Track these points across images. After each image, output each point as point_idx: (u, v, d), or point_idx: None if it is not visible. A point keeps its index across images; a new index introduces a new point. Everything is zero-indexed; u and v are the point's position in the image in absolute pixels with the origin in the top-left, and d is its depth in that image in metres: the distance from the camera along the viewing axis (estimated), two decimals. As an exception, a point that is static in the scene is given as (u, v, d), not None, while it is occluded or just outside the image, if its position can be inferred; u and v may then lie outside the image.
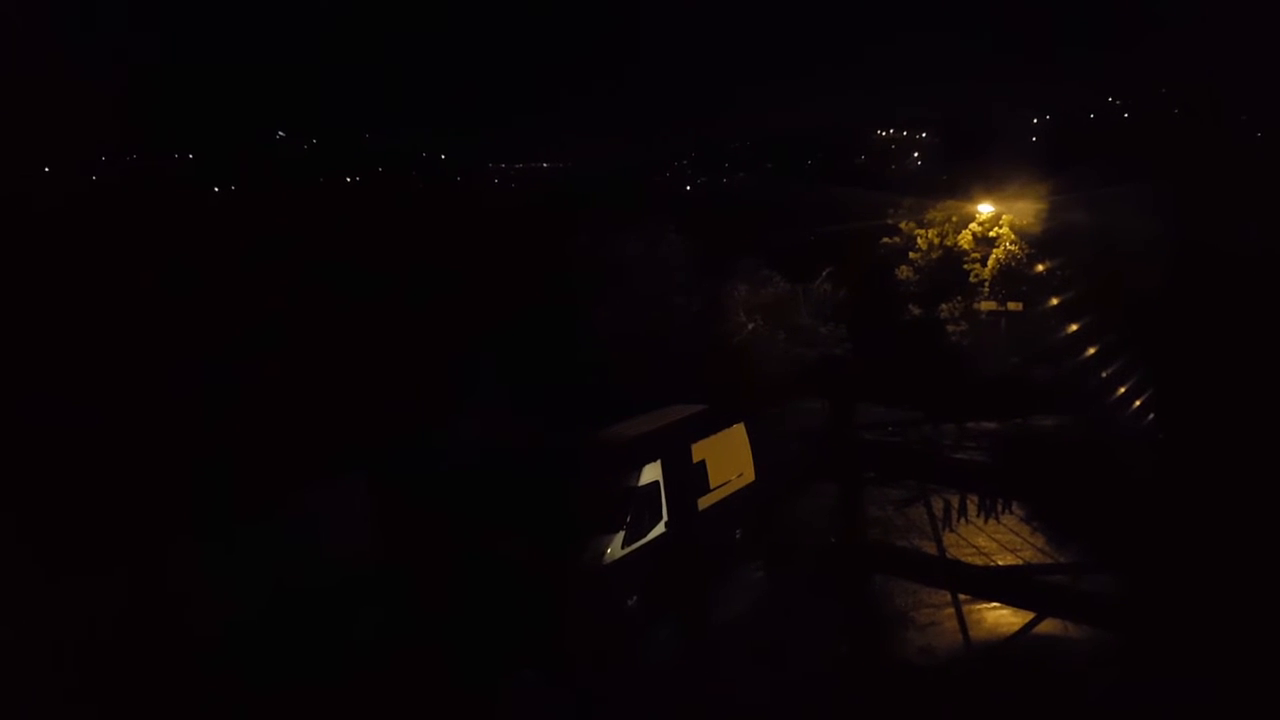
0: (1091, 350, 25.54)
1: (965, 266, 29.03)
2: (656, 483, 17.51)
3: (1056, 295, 27.48)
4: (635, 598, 16.53)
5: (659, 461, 17.62)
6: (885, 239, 31.47)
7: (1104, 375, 24.76)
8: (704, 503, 18.40)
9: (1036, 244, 28.39)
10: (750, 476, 19.66)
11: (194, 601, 14.77)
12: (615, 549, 16.54)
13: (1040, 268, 28.02)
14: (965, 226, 29.34)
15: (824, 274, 30.78)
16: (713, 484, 18.65)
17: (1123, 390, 24.25)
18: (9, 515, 15.51)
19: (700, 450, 18.58)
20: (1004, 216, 28.79)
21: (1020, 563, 17.89)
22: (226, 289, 29.31)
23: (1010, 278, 28.35)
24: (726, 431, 19.43)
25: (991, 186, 29.59)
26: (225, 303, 27.99)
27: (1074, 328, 26.36)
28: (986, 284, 28.57)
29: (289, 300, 28.43)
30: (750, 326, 29.18)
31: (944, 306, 29.07)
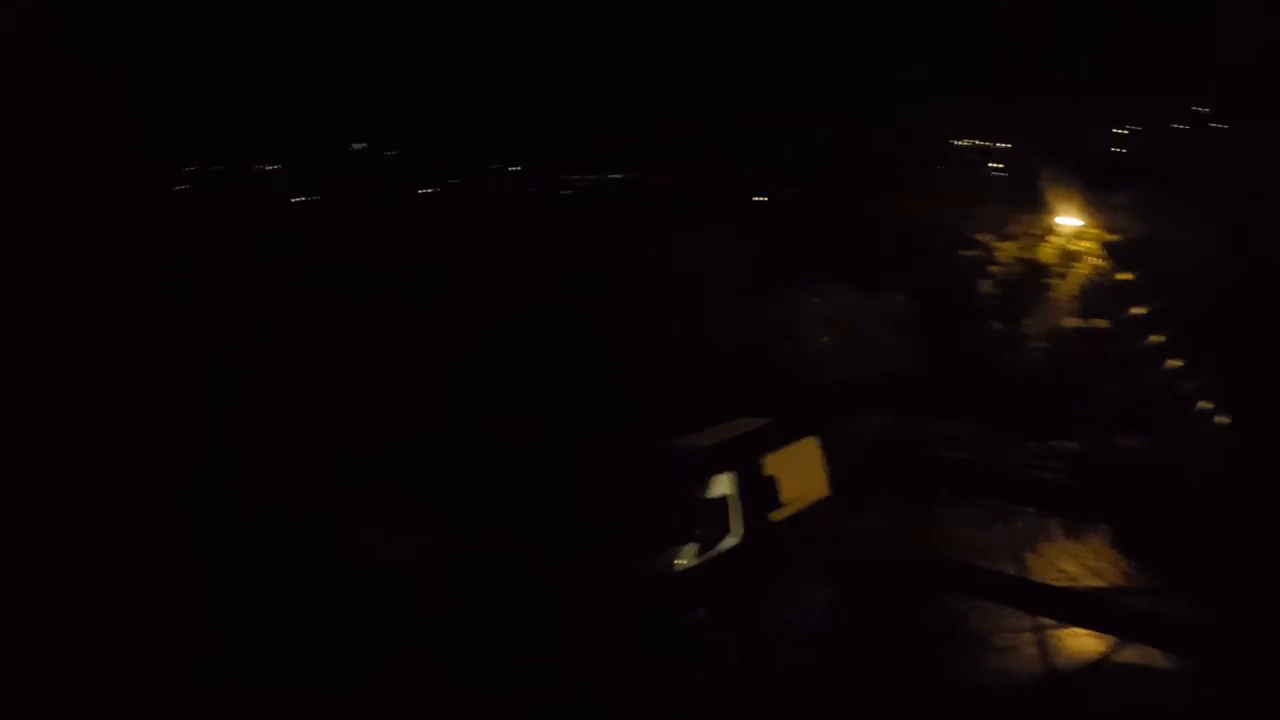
0: (1175, 366, 24.78)
1: (1047, 281, 28.40)
2: (727, 495, 17.35)
3: (1140, 310, 26.72)
4: (702, 610, 16.37)
5: (729, 473, 17.46)
6: (963, 251, 30.93)
7: (1188, 392, 23.98)
8: (775, 516, 18.16)
9: (1120, 257, 27.66)
10: (823, 491, 19.37)
11: (243, 602, 14.95)
12: (683, 560, 16.42)
13: (1124, 280, 27.27)
14: (1047, 239, 28.72)
15: (898, 285, 30.35)
16: (784, 497, 18.38)
17: (1207, 408, 23.45)
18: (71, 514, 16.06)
19: (772, 463, 18.35)
20: (1088, 229, 28.13)
21: (1104, 586, 17.31)
22: (302, 294, 29.79)
23: (1093, 292, 27.65)
24: (799, 445, 19.18)
25: (1076, 198, 28.93)
26: (300, 308, 28.47)
27: (1157, 342, 25.62)
28: (1069, 299, 27.91)
29: (360, 307, 28.77)
30: (822, 339, 28.85)
31: (1024, 322, 28.45)
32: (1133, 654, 14.92)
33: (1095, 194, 29.19)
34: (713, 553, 16.82)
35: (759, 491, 17.89)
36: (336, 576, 15.48)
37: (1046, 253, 28.50)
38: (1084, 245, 27.95)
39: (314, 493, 17.33)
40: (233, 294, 27.86)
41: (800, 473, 18.96)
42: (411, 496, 17.49)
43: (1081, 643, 15.43)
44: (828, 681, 14.45)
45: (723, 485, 17.33)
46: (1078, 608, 16.47)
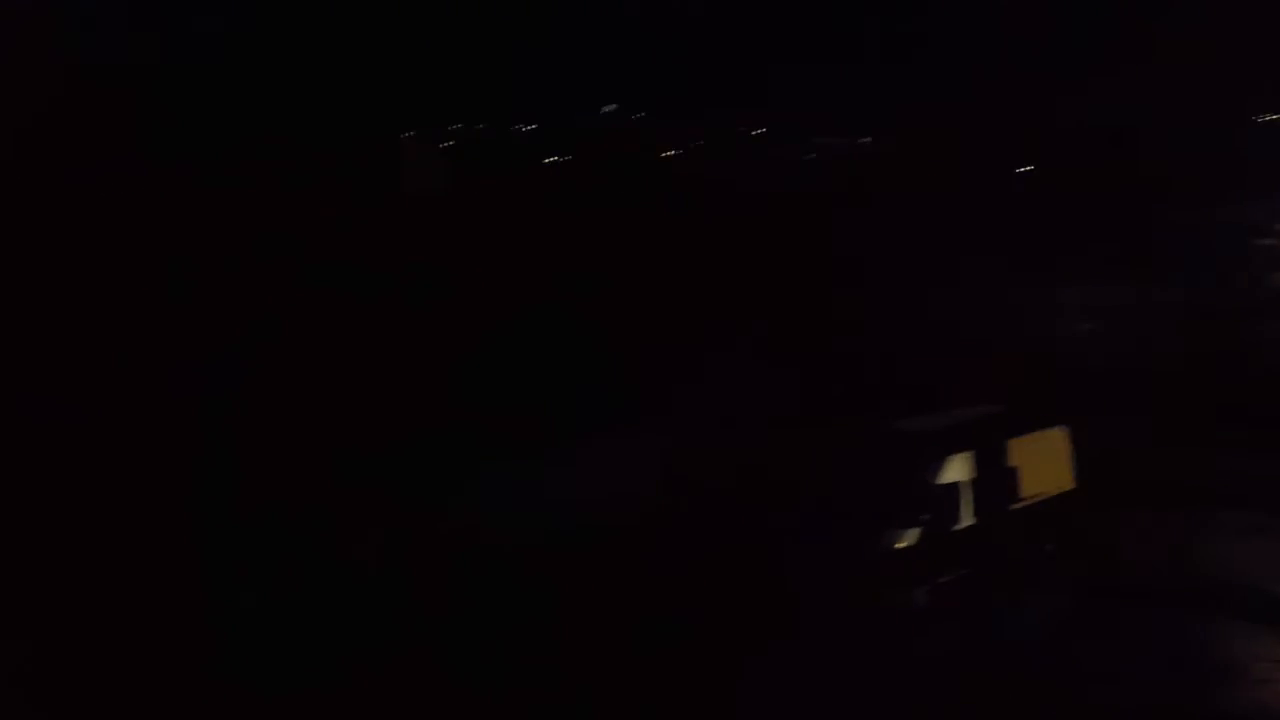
0: None
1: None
2: (960, 480, 16.79)
3: None
4: (921, 592, 16.05)
5: (962, 458, 16.87)
6: (1259, 240, 28.18)
7: None
8: (1012, 506, 17.36)
9: None
10: (1068, 486, 18.28)
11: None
12: (904, 542, 16.11)
13: None
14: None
15: (1174, 276, 28.17)
16: (1025, 489, 17.50)
17: None
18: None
19: (1013, 451, 17.49)
20: None
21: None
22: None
23: None
24: (1044, 434, 18.23)
25: None
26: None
27: None
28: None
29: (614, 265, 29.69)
30: (1080, 329, 27.39)
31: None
32: None
33: None
34: (941, 536, 16.38)
35: (995, 479, 17.18)
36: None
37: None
38: None
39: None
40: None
41: (1044, 464, 18.00)
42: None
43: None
44: (1050, 689, 13.62)
45: (956, 470, 16.80)
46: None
